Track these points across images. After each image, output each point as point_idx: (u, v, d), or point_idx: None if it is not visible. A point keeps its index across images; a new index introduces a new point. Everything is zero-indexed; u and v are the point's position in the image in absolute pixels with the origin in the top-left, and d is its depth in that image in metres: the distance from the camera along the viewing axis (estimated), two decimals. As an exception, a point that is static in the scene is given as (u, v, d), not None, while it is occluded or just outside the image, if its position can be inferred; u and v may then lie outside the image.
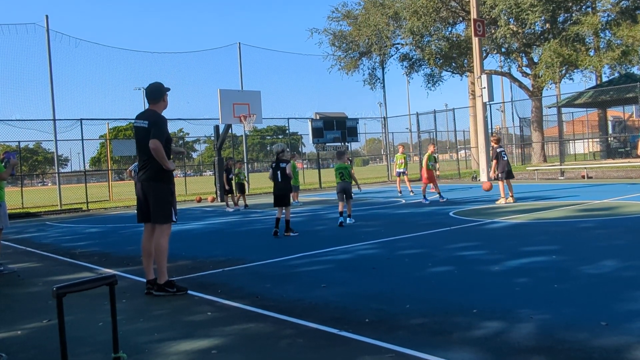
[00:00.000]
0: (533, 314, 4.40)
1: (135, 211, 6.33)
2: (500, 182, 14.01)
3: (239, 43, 27.85)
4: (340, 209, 11.46)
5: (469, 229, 9.77)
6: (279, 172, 10.27)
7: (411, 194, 18.50)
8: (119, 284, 6.55)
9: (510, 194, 13.93)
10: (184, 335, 4.45)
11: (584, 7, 28.75)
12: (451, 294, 5.30)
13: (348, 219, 11.45)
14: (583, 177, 22.45)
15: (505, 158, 14.18)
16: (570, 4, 27.83)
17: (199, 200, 22.33)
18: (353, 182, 11.94)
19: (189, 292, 5.95)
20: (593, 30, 26.88)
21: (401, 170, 19.33)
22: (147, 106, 6.32)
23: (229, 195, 17.82)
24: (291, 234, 10.16)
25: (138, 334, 4.59)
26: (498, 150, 14.05)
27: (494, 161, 14.03)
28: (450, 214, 12.17)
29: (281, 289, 5.86)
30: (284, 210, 10.39)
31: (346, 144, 26.71)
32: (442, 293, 5.35)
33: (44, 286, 6.83)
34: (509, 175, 13.89)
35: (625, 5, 28.81)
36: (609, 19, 28.78)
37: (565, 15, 29.03)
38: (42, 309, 5.63)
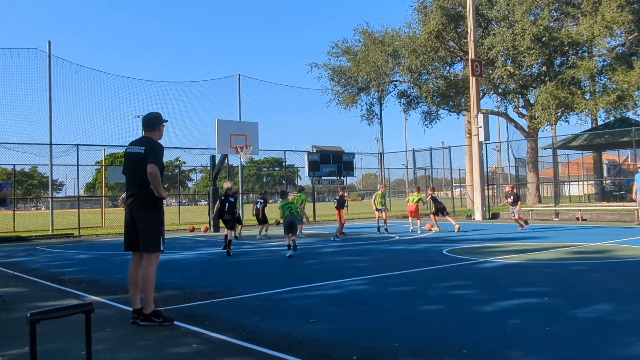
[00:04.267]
0: (523, 357, 4.32)
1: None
2: (433, 216, 18.89)
3: (239, 75, 28.07)
4: (287, 242, 12.35)
5: (462, 267, 9.71)
6: (227, 204, 13.67)
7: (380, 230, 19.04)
8: (104, 312, 6.47)
9: (436, 225, 18.73)
10: (167, 367, 4.35)
11: (580, 51, 29.18)
12: (441, 333, 5.22)
13: (290, 250, 12.14)
14: (577, 219, 22.46)
15: (439, 201, 19.26)
16: (567, 48, 28.24)
17: (192, 230, 22.21)
18: (303, 216, 14.20)
19: (175, 322, 5.84)
20: (589, 75, 27.22)
21: (381, 207, 19.28)
22: (142, 134, 6.32)
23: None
24: (229, 252, 12.65)
25: (120, 364, 4.49)
26: (433, 195, 19.22)
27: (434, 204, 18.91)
28: (444, 251, 12.10)
29: (269, 323, 5.77)
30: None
31: (342, 178, 26.75)
32: (432, 332, 5.27)
33: (29, 311, 6.69)
34: (439, 212, 18.84)
35: (620, 51, 29.28)
36: (605, 64, 29.20)
37: (562, 59, 29.44)
38: (25, 334, 5.47)
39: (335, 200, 17.86)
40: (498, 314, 5.93)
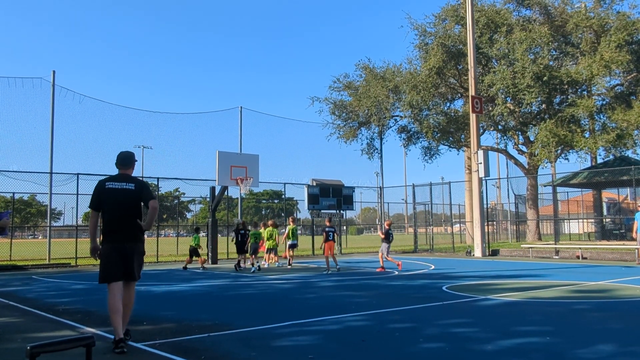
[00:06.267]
0: (526, 398, 4.23)
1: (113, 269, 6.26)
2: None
3: (241, 107, 28.27)
4: (251, 261, 17.92)
5: (462, 304, 9.60)
6: (239, 235, 18.72)
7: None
8: (100, 344, 6.36)
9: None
10: (162, 403, 4.26)
11: (579, 90, 29.45)
12: (442, 372, 5.13)
13: (253, 267, 17.52)
14: (578, 257, 22.32)
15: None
16: (566, 87, 28.50)
17: (189, 262, 21.99)
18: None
19: (172, 356, 5.75)
20: (588, 113, 27.40)
21: (291, 242, 20.00)
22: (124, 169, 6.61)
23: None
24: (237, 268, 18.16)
25: (114, 399, 4.40)
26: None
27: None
28: (444, 288, 11.99)
29: (267, 358, 5.67)
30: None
31: (341, 211, 26.72)
32: (432, 371, 5.18)
33: (23, 343, 6.60)
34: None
35: (619, 91, 29.56)
36: (604, 102, 29.44)
37: (561, 97, 29.68)
38: (17, 367, 5.41)
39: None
40: (499, 353, 5.84)
